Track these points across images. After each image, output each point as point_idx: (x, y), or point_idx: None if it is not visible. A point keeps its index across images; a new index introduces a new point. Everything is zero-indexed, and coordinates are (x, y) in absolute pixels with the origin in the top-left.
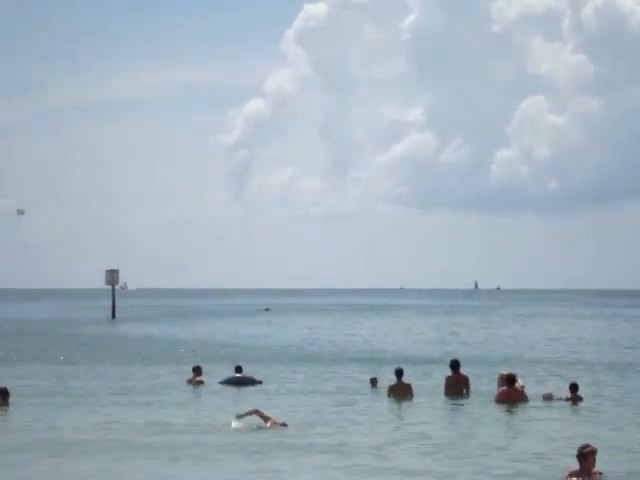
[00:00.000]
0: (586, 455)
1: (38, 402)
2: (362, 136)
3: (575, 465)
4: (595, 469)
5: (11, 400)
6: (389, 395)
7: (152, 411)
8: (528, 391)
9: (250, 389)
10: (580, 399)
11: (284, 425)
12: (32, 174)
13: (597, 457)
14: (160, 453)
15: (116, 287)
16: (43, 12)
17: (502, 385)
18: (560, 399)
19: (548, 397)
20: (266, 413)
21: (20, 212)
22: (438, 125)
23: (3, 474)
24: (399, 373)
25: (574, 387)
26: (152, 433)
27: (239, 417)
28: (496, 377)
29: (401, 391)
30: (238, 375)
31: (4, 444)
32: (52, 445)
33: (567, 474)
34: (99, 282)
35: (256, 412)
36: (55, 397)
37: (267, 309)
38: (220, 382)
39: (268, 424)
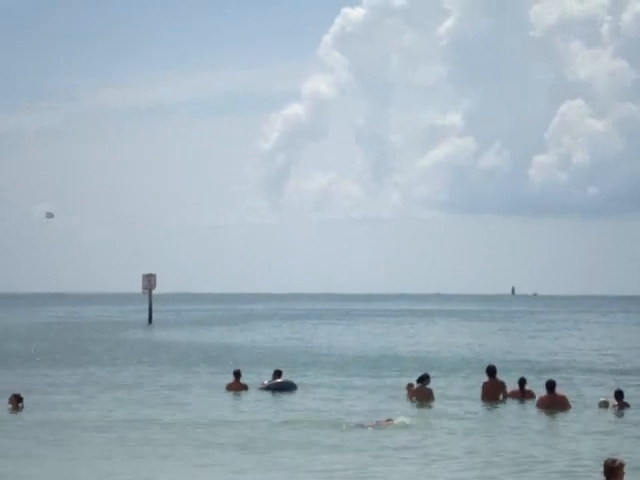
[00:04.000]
0: (615, 470)
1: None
2: (401, 141)
3: None
4: None
5: (25, 404)
6: (411, 399)
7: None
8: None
9: (293, 394)
10: (627, 406)
11: (390, 421)
12: (66, 179)
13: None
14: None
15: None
16: (74, 15)
17: (522, 390)
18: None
19: (604, 404)
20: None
21: (49, 215)
22: (477, 130)
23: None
24: (423, 378)
25: (619, 394)
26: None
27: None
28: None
29: (423, 395)
30: (279, 380)
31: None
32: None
33: None
34: (133, 287)
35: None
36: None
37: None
38: (260, 388)
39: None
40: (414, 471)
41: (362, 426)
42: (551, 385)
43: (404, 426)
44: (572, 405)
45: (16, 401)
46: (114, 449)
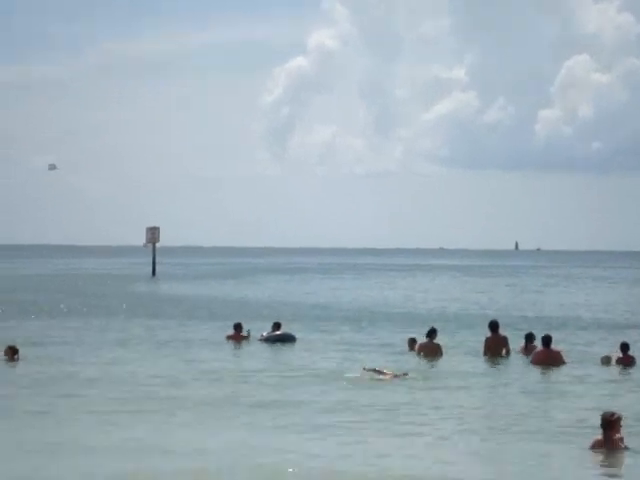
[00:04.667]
0: (613, 423)
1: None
2: (404, 95)
3: (599, 434)
4: (618, 435)
5: (21, 355)
6: (419, 354)
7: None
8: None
9: (293, 345)
10: (632, 359)
11: (405, 375)
12: (70, 132)
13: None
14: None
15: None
16: None
17: (530, 345)
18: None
19: (607, 360)
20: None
21: (52, 167)
22: (481, 84)
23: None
24: (431, 333)
25: (625, 347)
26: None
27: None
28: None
29: (431, 350)
30: (277, 332)
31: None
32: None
33: (592, 444)
34: (135, 239)
35: (374, 370)
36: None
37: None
38: (260, 339)
39: (387, 377)
40: (409, 425)
41: (378, 379)
42: (547, 340)
43: (410, 379)
44: (567, 361)
45: (11, 353)
46: (109, 404)
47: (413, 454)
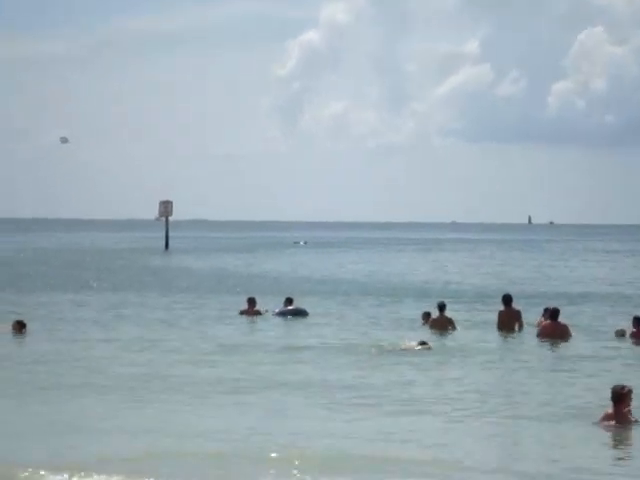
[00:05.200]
0: (624, 396)
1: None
2: (417, 68)
3: (609, 407)
4: (628, 408)
5: (28, 329)
6: (431, 328)
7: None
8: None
9: (305, 320)
10: None
11: (425, 344)
12: (82, 106)
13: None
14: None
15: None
16: None
17: (546, 319)
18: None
19: (621, 333)
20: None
21: (64, 140)
22: (494, 57)
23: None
24: (441, 307)
25: (638, 320)
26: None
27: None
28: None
29: (442, 324)
30: (290, 307)
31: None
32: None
33: (602, 416)
34: (145, 214)
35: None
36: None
37: (303, 243)
38: (273, 315)
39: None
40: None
41: (393, 350)
42: (555, 313)
43: (423, 352)
44: (572, 334)
45: (19, 327)
46: (119, 382)
47: (420, 432)
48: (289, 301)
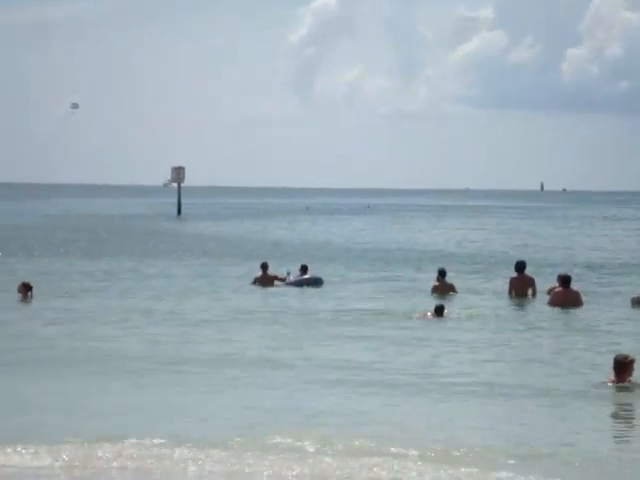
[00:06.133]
0: (627, 365)
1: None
2: (431, 34)
3: (612, 375)
4: (630, 378)
5: (34, 293)
6: (432, 293)
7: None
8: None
9: (320, 288)
10: None
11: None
12: (93, 70)
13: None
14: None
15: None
16: None
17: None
18: None
19: (637, 302)
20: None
21: (75, 106)
22: (508, 23)
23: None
24: (442, 273)
25: None
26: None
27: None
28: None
29: (444, 290)
30: (306, 276)
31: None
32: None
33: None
34: (153, 179)
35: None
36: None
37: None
38: (287, 283)
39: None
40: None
41: (410, 317)
42: (566, 280)
43: (438, 320)
44: (584, 302)
45: (25, 290)
46: (130, 361)
47: (424, 408)
48: (304, 269)
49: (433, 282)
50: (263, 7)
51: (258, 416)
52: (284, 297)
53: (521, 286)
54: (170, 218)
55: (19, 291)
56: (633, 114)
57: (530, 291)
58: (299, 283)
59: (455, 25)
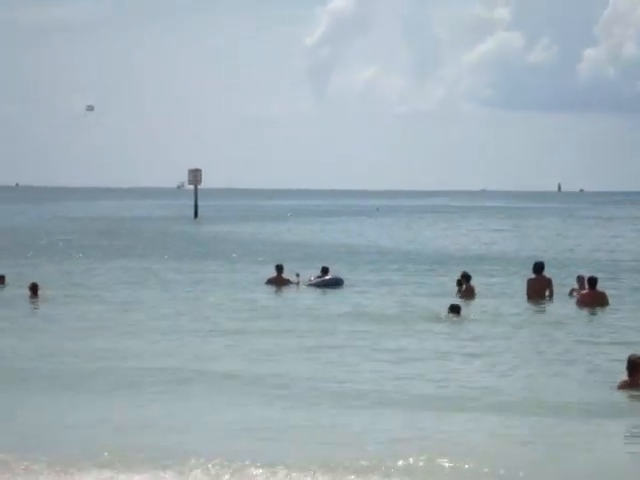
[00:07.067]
0: (639, 367)
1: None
2: (447, 34)
3: (625, 376)
4: None
5: (41, 293)
6: (458, 297)
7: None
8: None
9: (341, 289)
10: None
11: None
12: (108, 71)
13: None
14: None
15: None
16: None
17: (583, 287)
18: None
19: None
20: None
21: (90, 108)
22: (525, 23)
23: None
24: (466, 277)
25: None
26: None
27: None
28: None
29: (466, 294)
30: (326, 277)
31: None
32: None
33: (619, 384)
34: (166, 181)
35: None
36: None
37: (377, 209)
38: (308, 285)
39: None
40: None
41: (427, 318)
42: (593, 282)
43: (455, 320)
44: (610, 302)
45: (34, 290)
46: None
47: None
48: (325, 270)
49: (456, 287)
50: (279, 5)
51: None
52: (303, 296)
53: (539, 287)
54: (187, 221)
55: (29, 289)
56: None
57: (547, 292)
58: (320, 284)
59: (471, 25)
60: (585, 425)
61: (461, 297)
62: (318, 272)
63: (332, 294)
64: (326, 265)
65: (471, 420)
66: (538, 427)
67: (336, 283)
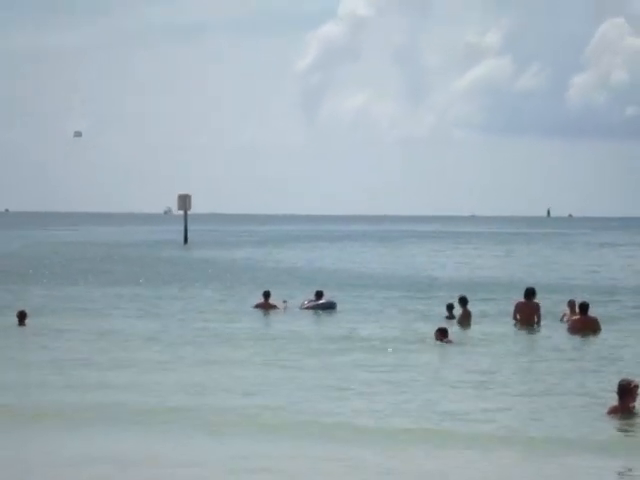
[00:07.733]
0: (631, 391)
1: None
2: (438, 60)
3: (615, 401)
4: (633, 403)
5: (28, 322)
6: (458, 323)
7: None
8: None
9: (334, 313)
10: None
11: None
12: (98, 97)
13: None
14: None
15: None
16: None
17: (574, 312)
18: None
19: None
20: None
21: (77, 134)
22: (515, 50)
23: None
24: (462, 302)
25: None
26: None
27: None
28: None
29: (463, 318)
30: (320, 302)
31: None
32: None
33: (608, 409)
34: (153, 207)
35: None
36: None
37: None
38: (301, 308)
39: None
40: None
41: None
42: (584, 307)
43: (447, 345)
44: (602, 328)
45: (21, 318)
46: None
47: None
48: (319, 294)
49: (446, 311)
50: (268, 32)
51: None
52: (294, 320)
53: (528, 311)
54: (177, 246)
55: (16, 317)
56: (638, 140)
57: (535, 317)
58: (314, 308)
59: (462, 51)
60: (573, 457)
61: (457, 322)
62: (312, 296)
63: (325, 318)
64: (320, 289)
65: (457, 457)
66: (526, 462)
67: (330, 307)
